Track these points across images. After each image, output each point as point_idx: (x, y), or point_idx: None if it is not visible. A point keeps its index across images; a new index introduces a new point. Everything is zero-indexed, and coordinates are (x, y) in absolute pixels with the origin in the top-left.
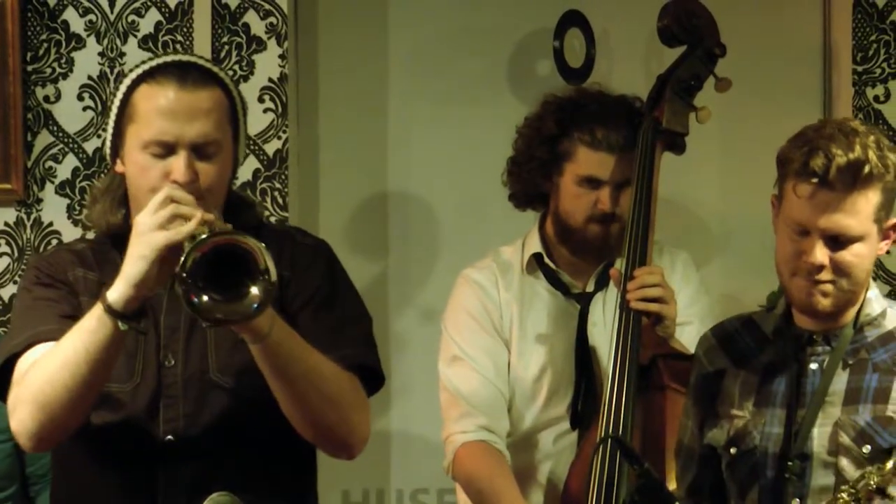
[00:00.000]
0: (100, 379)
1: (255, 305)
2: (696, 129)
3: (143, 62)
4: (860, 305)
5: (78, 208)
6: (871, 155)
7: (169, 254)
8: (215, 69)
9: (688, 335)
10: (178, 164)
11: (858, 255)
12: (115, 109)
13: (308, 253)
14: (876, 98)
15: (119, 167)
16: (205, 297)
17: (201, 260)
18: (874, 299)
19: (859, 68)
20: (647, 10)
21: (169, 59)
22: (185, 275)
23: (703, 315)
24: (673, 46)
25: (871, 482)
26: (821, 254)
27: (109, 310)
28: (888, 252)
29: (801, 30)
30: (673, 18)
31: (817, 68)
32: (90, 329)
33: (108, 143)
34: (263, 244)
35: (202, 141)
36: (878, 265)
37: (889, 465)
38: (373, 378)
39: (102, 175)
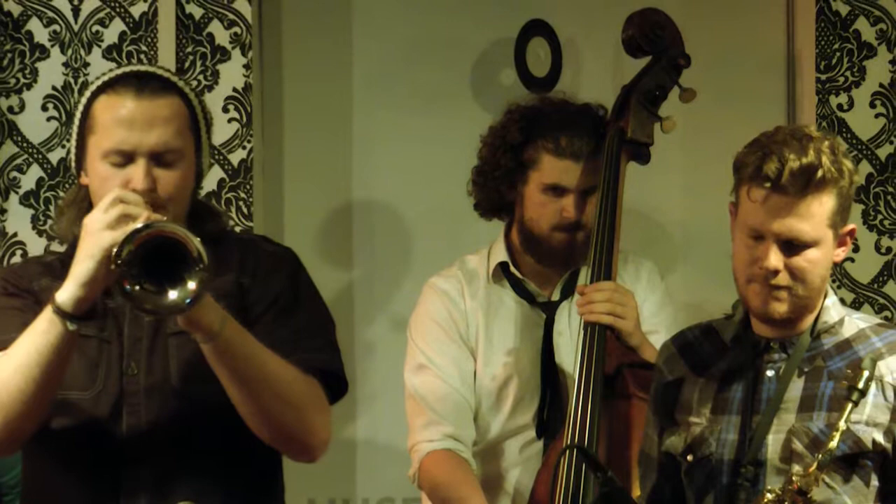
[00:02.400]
0: (52, 381)
1: (189, 300)
2: (660, 137)
3: (104, 74)
4: (818, 313)
5: (43, 219)
6: (825, 160)
7: None
8: (174, 78)
9: (655, 343)
10: (136, 172)
11: (813, 261)
12: (76, 121)
13: (270, 259)
14: (839, 106)
15: (84, 179)
16: (136, 287)
17: (138, 253)
18: (832, 307)
19: (823, 77)
20: (613, 19)
21: (128, 69)
22: (119, 263)
23: (669, 323)
24: (637, 57)
25: (795, 485)
26: (775, 258)
27: (58, 311)
28: (846, 260)
29: (764, 39)
30: (637, 29)
31: (781, 77)
32: (41, 331)
33: (73, 156)
34: (198, 238)
35: (161, 149)
36: (844, 274)
37: (812, 467)
38: (336, 383)
39: (67, 186)
